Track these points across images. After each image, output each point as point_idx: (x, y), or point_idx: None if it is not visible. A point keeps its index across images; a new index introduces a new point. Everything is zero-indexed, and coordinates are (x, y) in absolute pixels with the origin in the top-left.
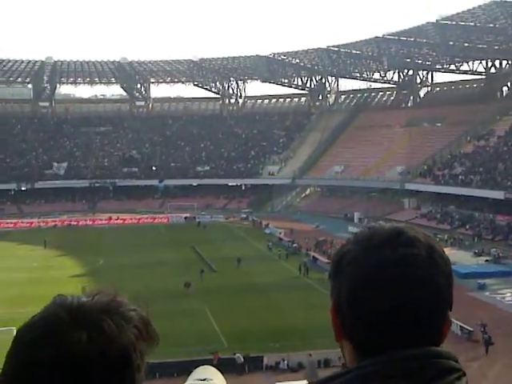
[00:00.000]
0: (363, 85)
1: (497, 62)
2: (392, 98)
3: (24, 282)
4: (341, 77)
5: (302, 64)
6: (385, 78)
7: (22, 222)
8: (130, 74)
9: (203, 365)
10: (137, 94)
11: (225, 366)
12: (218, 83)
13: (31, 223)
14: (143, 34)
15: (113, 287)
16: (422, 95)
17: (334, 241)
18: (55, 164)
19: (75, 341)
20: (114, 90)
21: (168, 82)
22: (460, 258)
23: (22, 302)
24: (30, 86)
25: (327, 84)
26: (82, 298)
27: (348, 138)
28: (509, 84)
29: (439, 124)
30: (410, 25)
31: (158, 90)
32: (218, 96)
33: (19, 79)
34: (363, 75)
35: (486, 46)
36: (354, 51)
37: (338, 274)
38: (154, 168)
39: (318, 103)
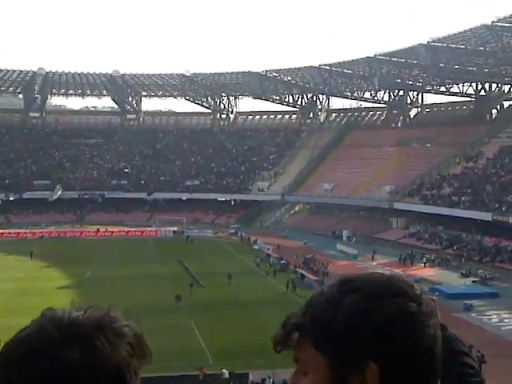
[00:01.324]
0: (354, 104)
1: (486, 85)
2: (382, 117)
3: (9, 292)
4: (332, 95)
5: (293, 82)
6: (375, 98)
7: (8, 233)
8: (122, 87)
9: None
10: (128, 107)
11: (210, 382)
12: (209, 98)
13: (18, 234)
14: (136, 48)
15: (105, 302)
16: (411, 116)
17: (317, 257)
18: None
19: (65, 358)
20: (106, 103)
21: (160, 96)
22: (447, 278)
23: (7, 313)
24: (20, 96)
25: (318, 102)
26: (73, 313)
27: (338, 156)
28: (498, 107)
29: (428, 145)
30: (401, 46)
31: (150, 104)
32: (209, 111)
33: (10, 89)
34: (354, 94)
35: (475, 68)
36: (346, 70)
37: (386, 342)
38: (142, 182)
39: (308, 121)
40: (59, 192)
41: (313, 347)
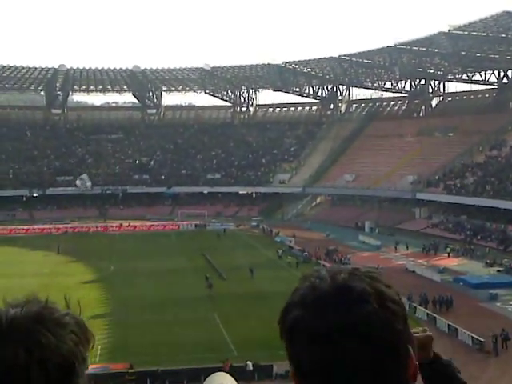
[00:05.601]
0: (375, 94)
1: (509, 72)
2: (404, 107)
3: (34, 287)
4: (352, 86)
5: (313, 73)
6: (396, 88)
7: (33, 228)
8: (142, 82)
9: (213, 372)
10: (148, 102)
11: (234, 374)
12: (229, 91)
13: (43, 229)
14: (155, 43)
15: (129, 295)
16: (433, 105)
17: (339, 249)
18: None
19: (12, 356)
20: (126, 98)
21: (180, 90)
22: (471, 268)
23: None
24: (42, 93)
25: (339, 93)
26: (10, 310)
27: (359, 147)
28: None
29: (451, 134)
30: (421, 34)
31: (170, 98)
32: (229, 104)
33: (32, 86)
34: (375, 84)
35: (497, 56)
36: (366, 60)
37: (292, 341)
38: (163, 176)
39: (329, 112)
40: (88, 181)
41: None
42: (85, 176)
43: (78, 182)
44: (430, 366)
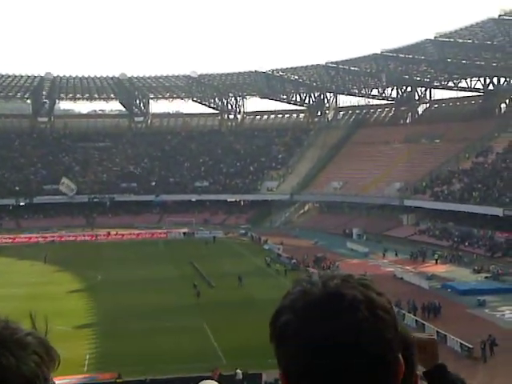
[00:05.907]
0: (362, 101)
1: (495, 79)
2: (390, 114)
3: (22, 297)
4: (339, 93)
5: (300, 80)
6: (383, 95)
7: (20, 238)
8: (129, 90)
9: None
10: (136, 110)
11: (223, 383)
12: (216, 99)
13: (30, 238)
14: (142, 50)
15: (116, 305)
16: (420, 112)
17: (328, 256)
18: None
19: None
20: (113, 106)
21: (167, 98)
22: (459, 274)
23: (18, 318)
24: (29, 101)
25: (326, 100)
26: None
27: (347, 154)
28: (507, 101)
29: (437, 140)
30: (408, 42)
31: (157, 106)
32: (216, 112)
33: (18, 94)
34: (362, 92)
35: (483, 63)
36: (353, 68)
37: (282, 346)
38: (151, 184)
39: (316, 119)
40: (71, 184)
41: None
42: (65, 179)
43: (61, 188)
44: (436, 376)
